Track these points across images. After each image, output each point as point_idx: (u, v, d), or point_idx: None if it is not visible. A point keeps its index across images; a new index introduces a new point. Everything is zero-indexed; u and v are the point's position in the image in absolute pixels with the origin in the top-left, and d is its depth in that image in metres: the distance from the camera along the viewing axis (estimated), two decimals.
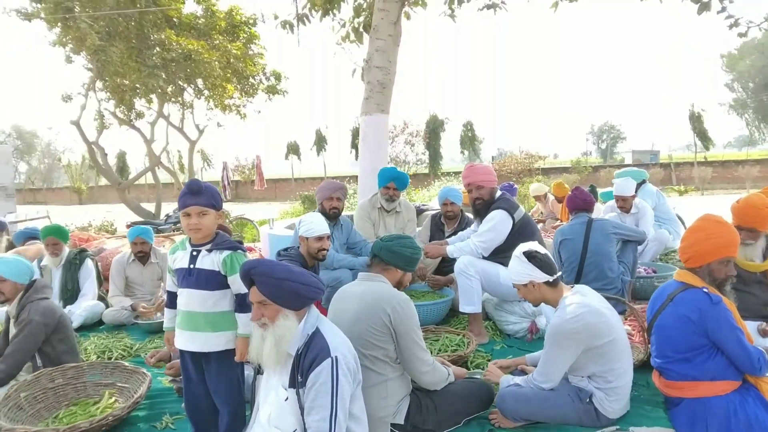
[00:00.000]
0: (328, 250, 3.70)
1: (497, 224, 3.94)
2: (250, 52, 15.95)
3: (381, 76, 6.83)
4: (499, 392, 2.76)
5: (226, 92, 15.56)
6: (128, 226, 11.80)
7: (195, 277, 2.46)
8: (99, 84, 14.52)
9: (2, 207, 14.97)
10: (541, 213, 9.24)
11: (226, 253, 2.47)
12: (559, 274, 2.81)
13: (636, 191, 6.42)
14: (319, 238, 3.65)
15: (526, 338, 4.02)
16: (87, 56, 12.14)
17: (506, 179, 27.55)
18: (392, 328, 2.49)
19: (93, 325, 4.87)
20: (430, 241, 4.97)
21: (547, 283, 2.76)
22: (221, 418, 2.54)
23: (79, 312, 4.70)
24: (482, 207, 4.08)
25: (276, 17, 9.06)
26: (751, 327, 3.40)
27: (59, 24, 11.47)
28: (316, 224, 3.65)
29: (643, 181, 6.58)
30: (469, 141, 32.81)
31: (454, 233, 4.79)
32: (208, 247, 2.49)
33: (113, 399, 3.13)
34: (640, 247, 5.50)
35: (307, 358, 2.04)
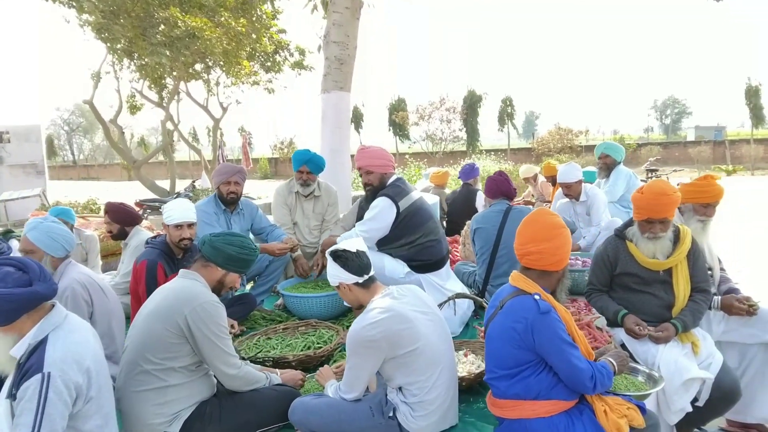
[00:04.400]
0: (191, 239, 3.52)
1: (379, 213, 3.65)
2: (273, 29, 15.89)
3: (338, 52, 6.54)
4: (293, 402, 2.52)
5: (243, 69, 15.55)
6: (137, 204, 12.12)
7: None
8: (127, 63, 14.87)
9: (33, 183, 15.77)
10: (532, 195, 8.76)
11: None
12: (371, 275, 2.52)
13: (609, 169, 5.94)
14: (178, 227, 3.47)
15: None
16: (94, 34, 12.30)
17: (544, 157, 26.57)
18: (187, 331, 2.35)
19: None
20: None
21: (357, 284, 2.49)
22: None
23: None
24: (371, 193, 3.80)
25: None
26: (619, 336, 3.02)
27: (64, 3, 11.63)
28: (175, 211, 3.47)
29: (619, 162, 6.02)
30: (508, 117, 31.76)
31: None
32: None
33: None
34: (589, 238, 5.07)
35: (23, 370, 1.90)
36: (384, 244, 3.74)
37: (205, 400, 2.46)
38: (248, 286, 4.59)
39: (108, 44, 12.20)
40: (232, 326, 3.58)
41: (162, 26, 12.37)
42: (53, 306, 2.06)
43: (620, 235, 3.17)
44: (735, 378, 2.93)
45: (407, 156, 24.38)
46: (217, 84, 17.30)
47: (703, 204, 3.25)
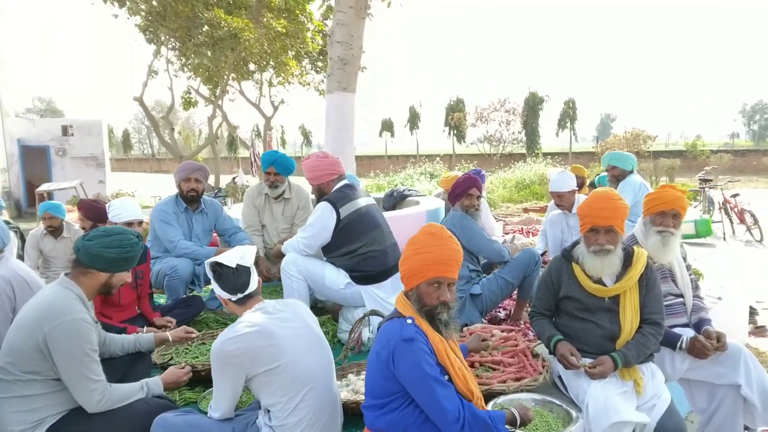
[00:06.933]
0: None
1: (318, 219, 3.49)
2: (325, 30, 16.06)
3: (342, 52, 6.40)
4: (155, 419, 2.38)
5: (288, 68, 15.78)
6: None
7: None
8: (183, 61, 15.49)
9: (94, 174, 16.75)
10: None
11: None
12: (247, 293, 2.35)
13: (618, 181, 5.51)
14: (128, 224, 3.45)
15: (353, 349, 3.54)
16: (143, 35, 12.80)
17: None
18: (46, 350, 2.23)
19: None
20: None
21: (230, 300, 2.35)
22: None
23: None
24: (315, 201, 3.68)
25: None
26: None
27: (116, 4, 12.16)
28: (123, 209, 3.50)
29: (630, 171, 5.55)
30: (570, 119, 30.55)
31: None
32: None
33: None
34: None
35: None
36: (327, 253, 3.59)
37: (73, 408, 2.37)
38: (208, 288, 4.53)
39: (154, 44, 12.65)
40: (169, 323, 3.53)
41: (206, 27, 12.72)
42: None
43: (566, 255, 2.87)
44: (680, 423, 2.56)
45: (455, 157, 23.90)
46: (270, 84, 17.69)
47: (659, 213, 2.94)
